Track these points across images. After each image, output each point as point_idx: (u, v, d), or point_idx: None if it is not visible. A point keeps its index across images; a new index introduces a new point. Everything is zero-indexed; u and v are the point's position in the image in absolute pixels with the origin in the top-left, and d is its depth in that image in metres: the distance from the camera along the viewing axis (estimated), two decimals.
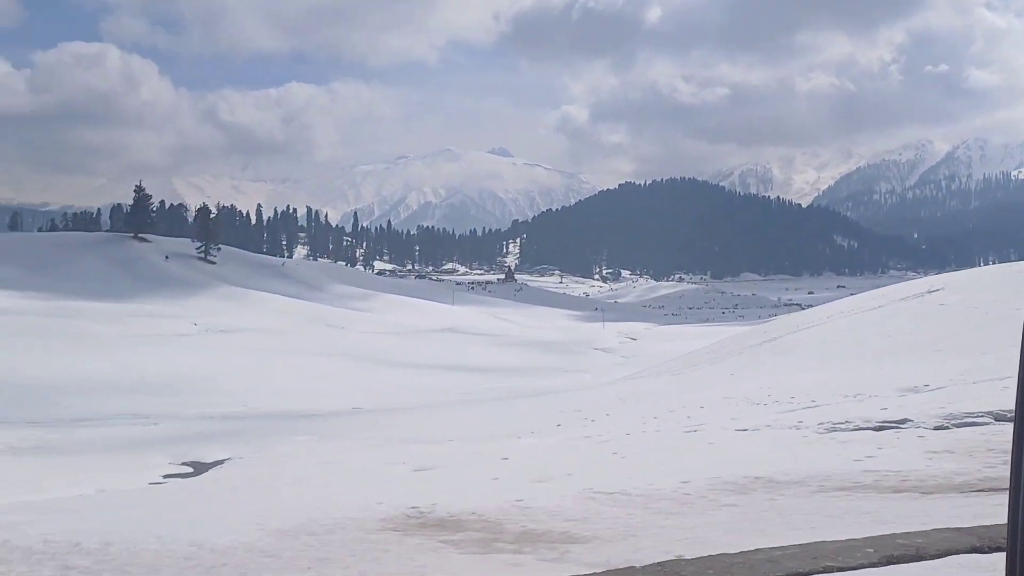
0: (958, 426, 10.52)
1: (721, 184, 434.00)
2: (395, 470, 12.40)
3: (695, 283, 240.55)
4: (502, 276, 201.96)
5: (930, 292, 25.90)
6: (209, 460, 18.90)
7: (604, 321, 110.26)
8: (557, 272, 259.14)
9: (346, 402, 36.03)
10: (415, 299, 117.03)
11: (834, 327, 26.91)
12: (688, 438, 12.73)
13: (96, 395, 33.82)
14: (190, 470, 17.89)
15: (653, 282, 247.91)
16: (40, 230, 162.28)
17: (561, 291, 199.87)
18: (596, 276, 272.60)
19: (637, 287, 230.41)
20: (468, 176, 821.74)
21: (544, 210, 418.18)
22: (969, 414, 10.87)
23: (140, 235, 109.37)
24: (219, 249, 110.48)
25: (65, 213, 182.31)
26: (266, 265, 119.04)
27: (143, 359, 46.51)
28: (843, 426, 11.54)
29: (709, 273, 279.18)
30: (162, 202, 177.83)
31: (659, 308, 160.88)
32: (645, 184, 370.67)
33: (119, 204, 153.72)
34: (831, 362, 21.19)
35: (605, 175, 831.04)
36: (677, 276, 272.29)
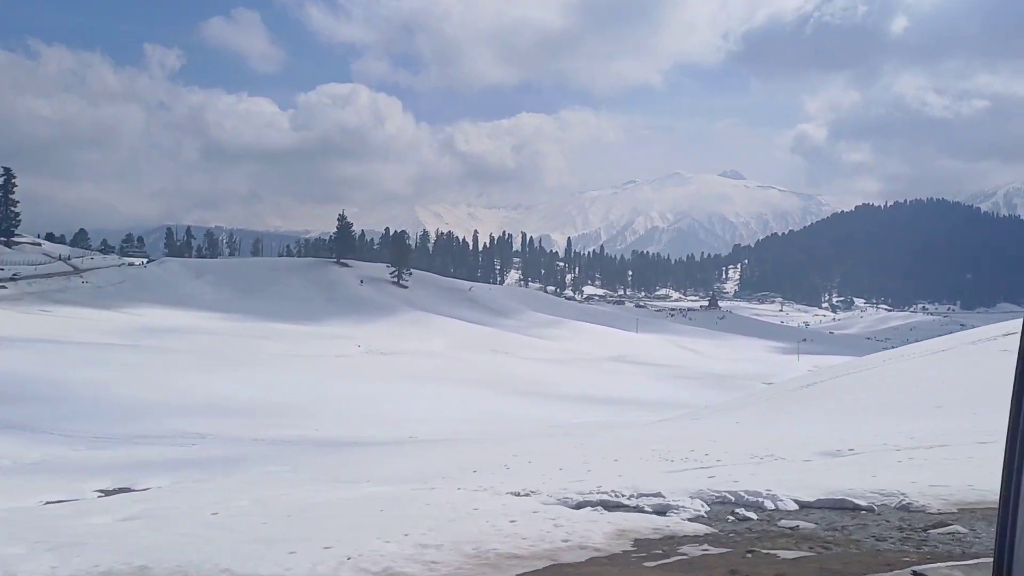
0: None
1: (978, 206, 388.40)
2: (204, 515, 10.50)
3: (937, 314, 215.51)
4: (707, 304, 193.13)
5: (1005, 335, 20.05)
6: (140, 487, 18.06)
7: (802, 353, 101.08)
8: (779, 300, 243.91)
9: (423, 431, 34.56)
10: (600, 326, 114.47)
11: (877, 374, 21.77)
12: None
13: (184, 415, 34.96)
14: (98, 495, 17.08)
15: (887, 312, 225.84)
16: (280, 255, 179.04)
17: (777, 320, 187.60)
18: (824, 304, 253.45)
19: (866, 317, 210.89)
20: (697, 200, 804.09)
21: (773, 234, 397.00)
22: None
23: (342, 260, 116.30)
24: (410, 274, 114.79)
25: (298, 240, 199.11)
26: (455, 289, 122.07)
27: (274, 380, 48.13)
28: (583, 497, 8.36)
29: (958, 303, 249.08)
30: (387, 230, 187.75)
31: (883, 341, 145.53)
32: (886, 205, 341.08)
33: (361, 231, 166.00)
34: (828, 415, 17.20)
35: (847, 196, 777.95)
36: (920, 306, 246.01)
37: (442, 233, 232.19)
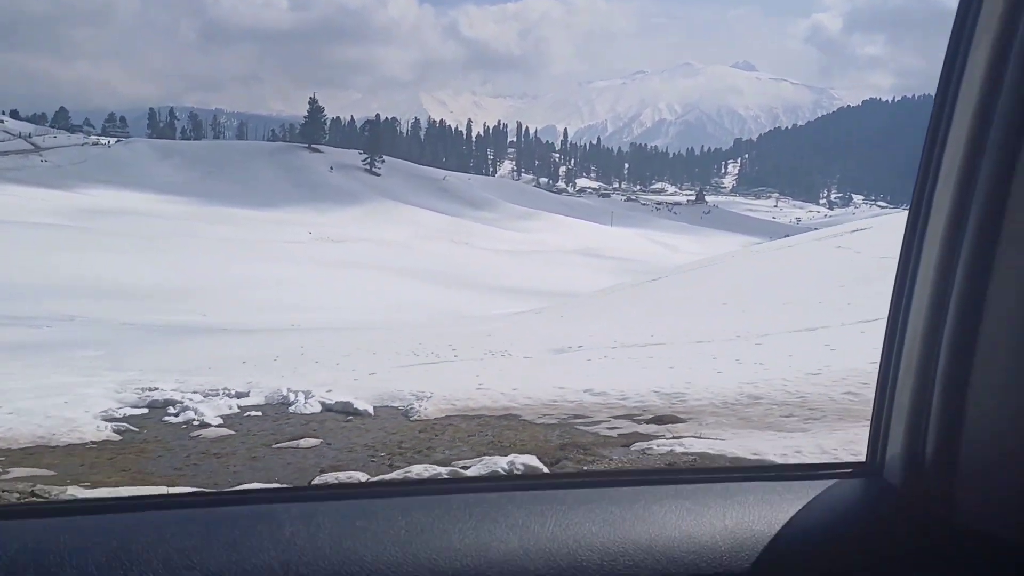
0: None
1: None
2: None
3: None
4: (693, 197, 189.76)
5: (853, 232, 18.65)
6: None
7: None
8: (775, 195, 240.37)
9: (313, 319, 33.44)
10: (578, 220, 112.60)
11: (712, 271, 20.53)
12: None
13: (66, 297, 33.86)
14: None
15: (882, 208, 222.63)
16: (266, 139, 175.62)
17: (769, 216, 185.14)
18: (822, 200, 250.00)
19: (858, 214, 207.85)
20: (707, 92, 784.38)
21: (776, 128, 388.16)
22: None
23: (314, 146, 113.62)
24: (383, 161, 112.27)
25: (283, 124, 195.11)
26: (429, 179, 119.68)
27: (192, 264, 46.92)
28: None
29: None
30: (377, 116, 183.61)
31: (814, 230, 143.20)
32: (894, 100, 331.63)
33: (339, 117, 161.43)
34: (642, 312, 16.38)
35: (861, 90, 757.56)
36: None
37: (433, 121, 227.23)
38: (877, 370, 1.16)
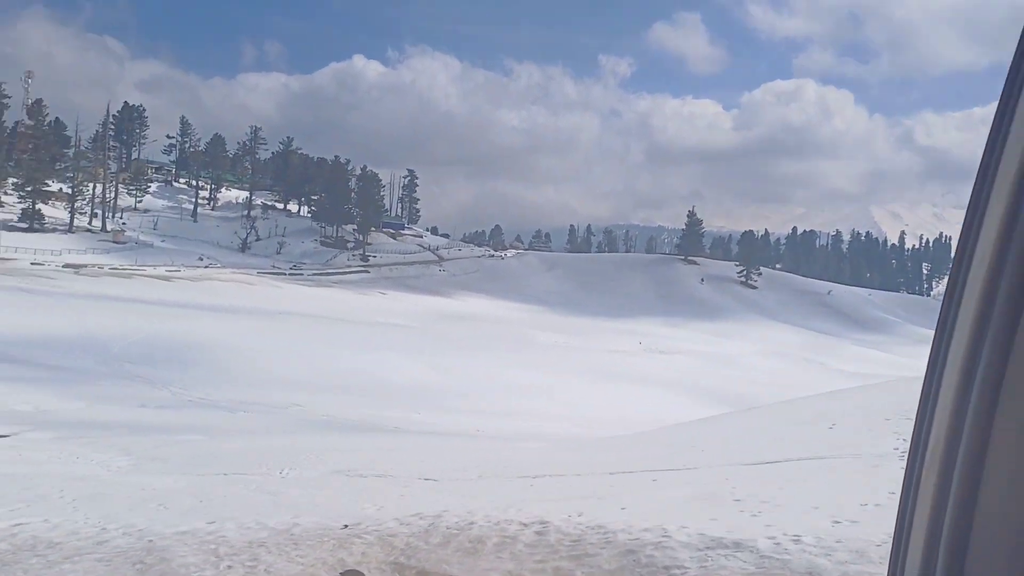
0: None
1: None
2: None
3: None
4: None
5: None
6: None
7: None
8: None
9: (537, 428, 30.75)
10: None
11: None
12: None
13: (308, 390, 36.01)
14: None
15: None
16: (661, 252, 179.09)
17: None
18: None
19: None
20: None
21: None
22: None
23: (690, 257, 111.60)
24: (759, 273, 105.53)
25: (650, 237, 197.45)
26: (809, 292, 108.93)
27: (479, 369, 47.55)
28: None
29: None
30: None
31: None
32: None
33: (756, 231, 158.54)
34: None
35: None
36: None
37: (857, 233, 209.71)
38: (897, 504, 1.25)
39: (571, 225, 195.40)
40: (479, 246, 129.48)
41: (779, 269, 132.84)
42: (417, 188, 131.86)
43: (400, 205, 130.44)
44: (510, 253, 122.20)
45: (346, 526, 7.29)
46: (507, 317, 78.49)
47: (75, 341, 39.74)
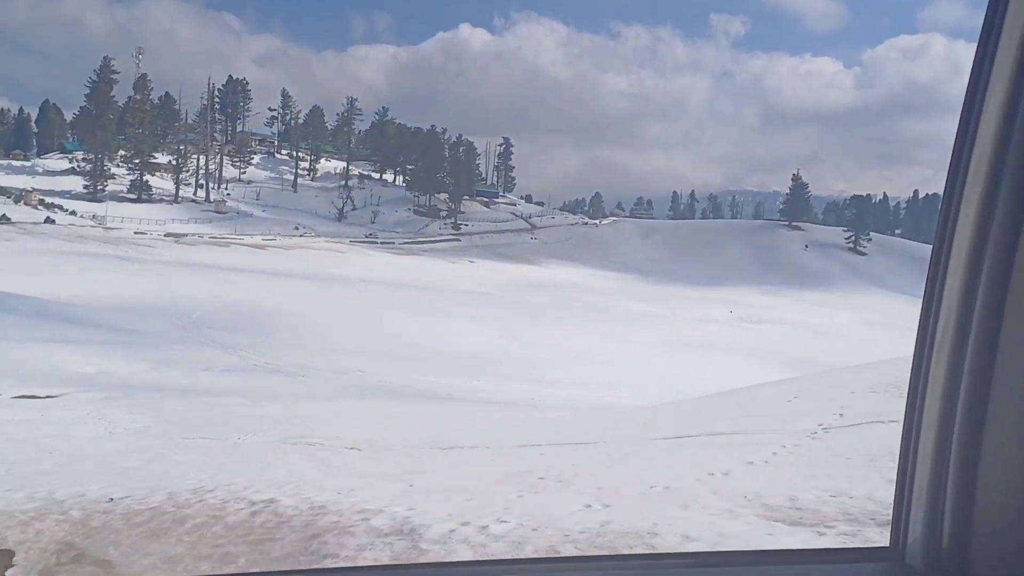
0: None
1: None
2: None
3: None
4: None
5: None
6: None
7: None
8: None
9: (592, 398, 30.05)
10: None
11: None
12: None
13: (373, 356, 36.26)
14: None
15: None
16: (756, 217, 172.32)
17: None
18: None
19: None
20: None
21: None
22: None
23: (794, 223, 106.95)
24: (869, 239, 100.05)
25: (759, 203, 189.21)
26: (925, 259, 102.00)
27: (548, 336, 46.98)
28: None
29: None
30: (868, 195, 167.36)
31: None
32: None
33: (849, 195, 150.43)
34: None
35: None
36: None
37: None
38: (897, 458, 1.26)
39: (674, 192, 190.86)
40: (574, 214, 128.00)
41: (897, 235, 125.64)
42: (512, 156, 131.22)
43: (496, 173, 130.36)
44: (606, 221, 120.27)
45: (111, 499, 6.88)
46: (595, 285, 77.21)
47: (159, 306, 41.31)
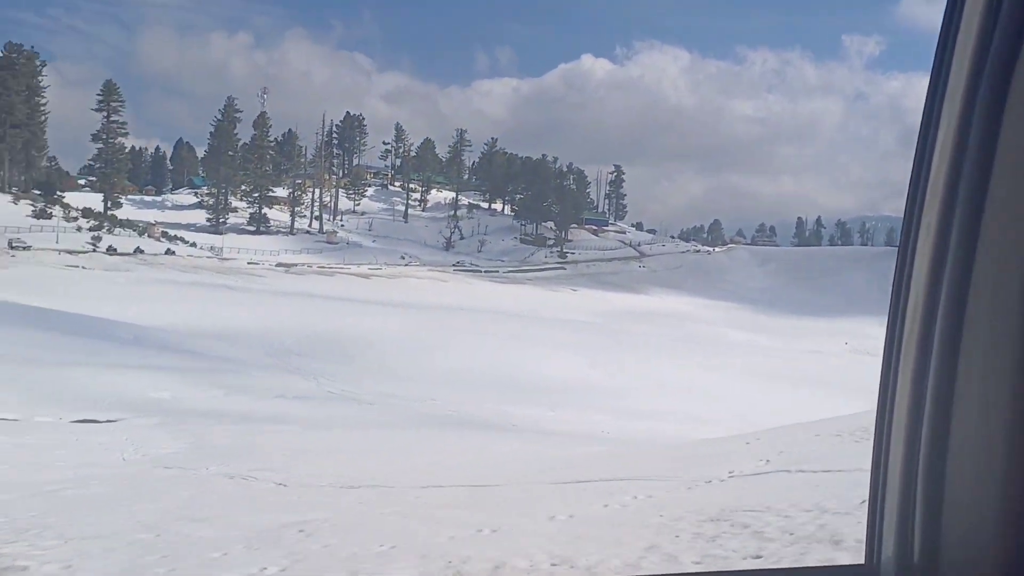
0: None
1: None
2: None
3: None
4: None
5: None
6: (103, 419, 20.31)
7: None
8: None
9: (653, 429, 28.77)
10: None
11: None
12: None
13: (452, 386, 35.97)
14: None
15: None
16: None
17: None
18: None
19: None
20: None
21: None
22: None
23: None
24: None
25: (890, 228, 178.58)
26: None
27: (635, 367, 45.60)
28: None
29: None
30: None
31: None
32: None
33: None
34: None
35: None
36: None
37: None
38: (869, 478, 1.29)
39: (799, 218, 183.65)
40: (685, 240, 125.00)
41: None
42: (624, 184, 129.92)
43: (607, 201, 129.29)
44: (720, 248, 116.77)
45: None
46: (700, 315, 74.73)
47: (254, 334, 42.59)
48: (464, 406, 31.88)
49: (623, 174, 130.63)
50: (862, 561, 1.32)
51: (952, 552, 1.12)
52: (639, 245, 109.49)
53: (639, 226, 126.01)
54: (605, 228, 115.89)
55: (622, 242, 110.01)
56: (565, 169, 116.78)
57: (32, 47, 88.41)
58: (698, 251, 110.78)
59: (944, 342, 1.11)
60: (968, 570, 1.11)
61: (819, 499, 6.57)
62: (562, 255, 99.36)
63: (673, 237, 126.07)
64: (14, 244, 69.72)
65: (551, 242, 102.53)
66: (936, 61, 1.16)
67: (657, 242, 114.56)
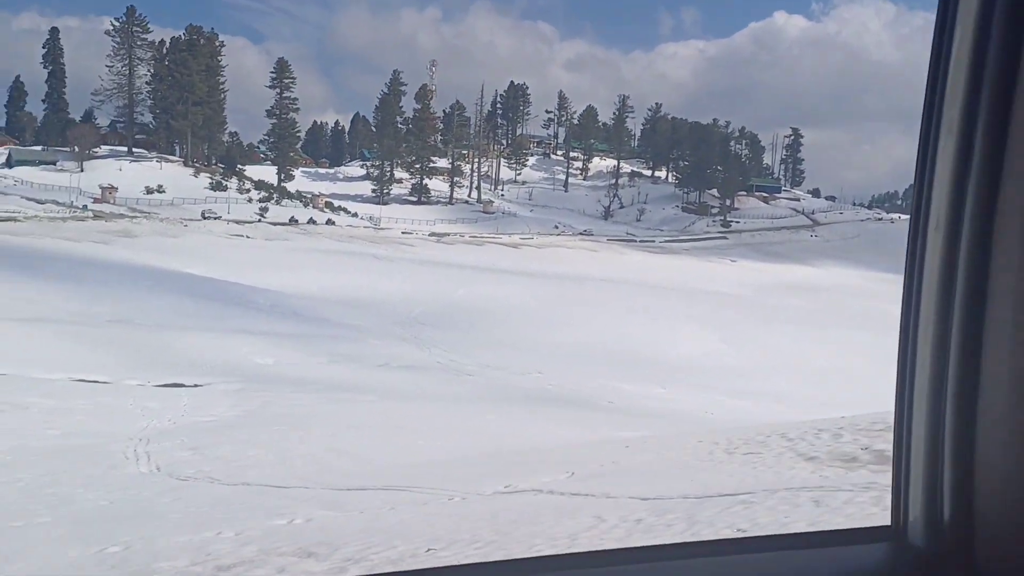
0: None
1: None
2: None
3: None
4: None
5: None
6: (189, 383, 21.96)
7: None
8: None
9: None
10: None
11: None
12: None
13: (570, 360, 35.48)
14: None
15: None
16: None
17: None
18: None
19: None
20: None
21: None
22: None
23: None
24: None
25: None
26: None
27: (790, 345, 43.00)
28: None
29: None
30: None
31: None
32: None
33: None
34: None
35: None
36: None
37: None
38: (892, 436, 1.29)
39: None
40: (870, 208, 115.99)
41: None
42: (801, 148, 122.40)
43: (783, 167, 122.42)
44: (907, 216, 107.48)
45: None
46: (870, 289, 69.12)
47: (386, 302, 44.05)
48: (568, 380, 31.35)
49: (801, 138, 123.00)
50: (887, 522, 1.26)
51: (984, 510, 1.08)
52: (812, 213, 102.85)
53: (815, 193, 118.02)
54: (777, 195, 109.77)
55: (794, 210, 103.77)
56: (738, 133, 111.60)
57: (212, 29, 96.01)
58: (880, 219, 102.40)
59: (967, 298, 1.05)
60: (1001, 529, 1.07)
61: None
62: (725, 224, 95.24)
63: (855, 204, 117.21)
64: (206, 215, 76.46)
65: (715, 210, 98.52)
66: (933, 54, 1.13)
67: (834, 209, 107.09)
